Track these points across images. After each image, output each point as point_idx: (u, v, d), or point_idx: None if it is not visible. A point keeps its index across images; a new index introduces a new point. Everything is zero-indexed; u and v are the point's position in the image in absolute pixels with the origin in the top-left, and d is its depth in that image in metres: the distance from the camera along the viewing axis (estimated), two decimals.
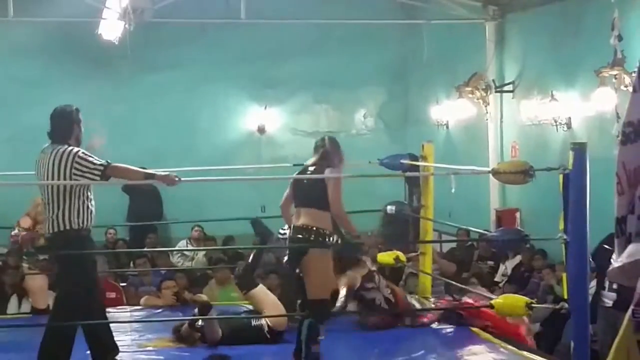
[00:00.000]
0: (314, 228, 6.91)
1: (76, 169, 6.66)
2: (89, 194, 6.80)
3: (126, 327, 8.61)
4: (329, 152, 7.17)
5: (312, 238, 6.88)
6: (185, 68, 16.50)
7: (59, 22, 14.07)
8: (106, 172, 6.68)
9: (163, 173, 6.88)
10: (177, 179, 6.65)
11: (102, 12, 12.68)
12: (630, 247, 3.63)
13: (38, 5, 13.80)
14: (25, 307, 10.08)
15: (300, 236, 6.96)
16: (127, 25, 12.50)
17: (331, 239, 7.01)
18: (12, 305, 10.13)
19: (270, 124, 17.06)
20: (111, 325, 7.75)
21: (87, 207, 6.77)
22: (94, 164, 6.68)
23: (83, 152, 6.75)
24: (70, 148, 6.75)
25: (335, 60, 16.74)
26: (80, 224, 6.73)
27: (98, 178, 6.66)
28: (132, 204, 15.40)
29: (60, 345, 6.79)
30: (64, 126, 6.89)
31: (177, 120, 16.27)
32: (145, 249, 12.53)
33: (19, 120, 15.35)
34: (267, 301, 8.31)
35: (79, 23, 13.73)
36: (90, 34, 13.32)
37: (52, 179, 6.71)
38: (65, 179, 6.68)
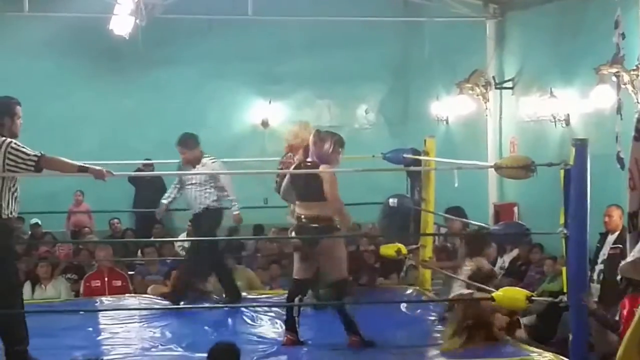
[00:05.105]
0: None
1: (9, 159, 6.51)
2: (15, 183, 6.65)
3: (134, 314, 8.84)
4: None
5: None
6: (193, 63, 16.67)
7: (72, 17, 14.17)
8: (40, 164, 6.53)
9: (97, 167, 6.68)
10: (107, 173, 6.61)
11: (114, 7, 12.79)
12: None
13: (52, 0, 13.95)
14: (38, 293, 10.36)
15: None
16: (137, 21, 12.60)
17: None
18: (25, 292, 10.35)
19: (274, 118, 17.24)
20: (121, 312, 7.94)
21: (15, 197, 6.65)
22: (28, 154, 6.52)
23: (15, 143, 6.59)
24: (3, 138, 6.59)
25: (337, 57, 16.85)
26: (10, 214, 6.61)
27: (32, 169, 6.52)
28: (138, 195, 15.53)
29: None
30: None
31: (185, 113, 16.30)
32: (152, 239, 12.70)
33: (33, 113, 15.40)
34: None
35: (91, 18, 13.83)
36: (102, 29, 13.31)
37: None
38: None
